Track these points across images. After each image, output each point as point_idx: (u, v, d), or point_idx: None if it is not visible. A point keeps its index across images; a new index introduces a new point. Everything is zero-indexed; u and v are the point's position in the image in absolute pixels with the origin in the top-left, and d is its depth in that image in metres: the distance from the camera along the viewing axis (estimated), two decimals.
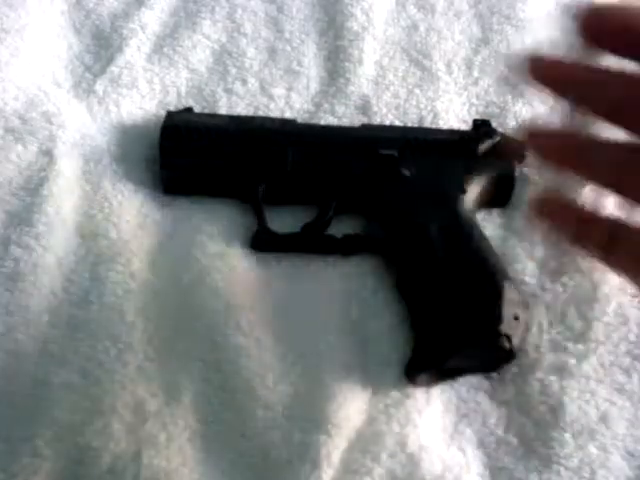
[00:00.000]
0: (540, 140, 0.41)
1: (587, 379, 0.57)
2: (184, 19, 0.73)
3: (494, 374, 0.57)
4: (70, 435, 0.52)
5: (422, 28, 0.74)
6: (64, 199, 0.61)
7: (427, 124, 0.69)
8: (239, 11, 0.74)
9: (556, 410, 0.56)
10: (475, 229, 0.61)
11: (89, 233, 0.60)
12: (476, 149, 0.63)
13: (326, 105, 0.69)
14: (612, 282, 0.61)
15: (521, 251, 0.63)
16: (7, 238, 0.59)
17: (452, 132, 0.66)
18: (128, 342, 0.56)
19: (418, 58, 0.73)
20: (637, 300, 0.60)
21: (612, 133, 0.70)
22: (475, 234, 0.60)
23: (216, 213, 0.63)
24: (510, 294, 0.57)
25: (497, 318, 0.55)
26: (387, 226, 0.61)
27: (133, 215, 0.61)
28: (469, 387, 0.57)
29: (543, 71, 0.41)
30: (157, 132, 0.63)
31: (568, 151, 0.41)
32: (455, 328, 0.55)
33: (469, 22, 0.75)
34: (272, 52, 0.72)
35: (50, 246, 0.59)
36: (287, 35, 0.73)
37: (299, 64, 0.72)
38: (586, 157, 0.41)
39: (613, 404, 0.56)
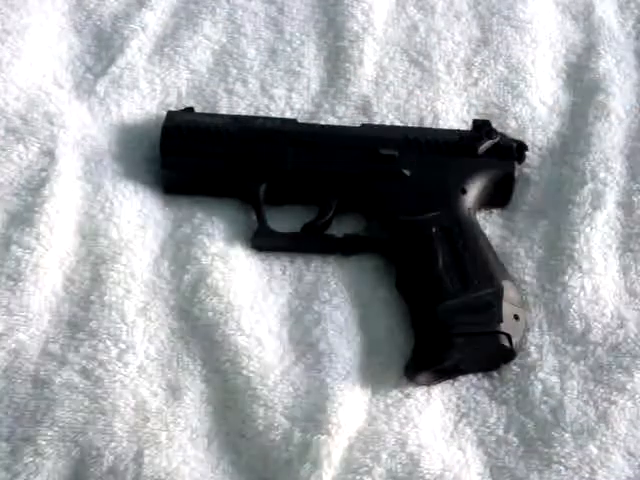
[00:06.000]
0: None
1: (586, 379, 0.57)
2: (185, 20, 0.73)
3: (494, 373, 0.57)
4: (72, 435, 0.52)
5: (422, 29, 0.74)
6: (65, 199, 0.61)
7: (427, 124, 0.69)
8: (239, 12, 0.74)
9: (556, 410, 0.56)
10: (475, 229, 0.61)
11: (90, 233, 0.60)
12: (476, 149, 0.63)
13: (326, 105, 0.69)
14: (610, 286, 0.61)
15: (521, 251, 0.63)
16: (8, 238, 0.59)
17: (452, 132, 0.66)
18: (129, 342, 0.56)
19: (418, 59, 0.73)
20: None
21: (607, 128, 0.71)
22: (475, 234, 0.60)
23: (216, 213, 0.63)
24: (510, 294, 0.57)
25: (497, 317, 0.56)
26: (387, 226, 0.61)
27: (134, 215, 0.62)
28: (469, 386, 0.57)
29: None
30: (158, 132, 0.63)
31: None
32: (455, 328, 0.55)
33: (469, 23, 0.75)
34: (272, 53, 0.72)
35: (51, 246, 0.59)
36: (287, 36, 0.73)
37: (299, 65, 0.72)
38: None
39: (613, 404, 0.56)
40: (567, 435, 0.55)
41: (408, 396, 0.56)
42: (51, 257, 0.59)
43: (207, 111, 0.68)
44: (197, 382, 0.56)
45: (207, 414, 0.55)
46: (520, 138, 0.67)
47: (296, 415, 0.54)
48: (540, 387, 0.57)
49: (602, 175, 0.66)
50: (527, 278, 0.61)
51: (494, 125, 0.65)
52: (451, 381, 0.57)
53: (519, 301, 0.58)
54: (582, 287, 0.61)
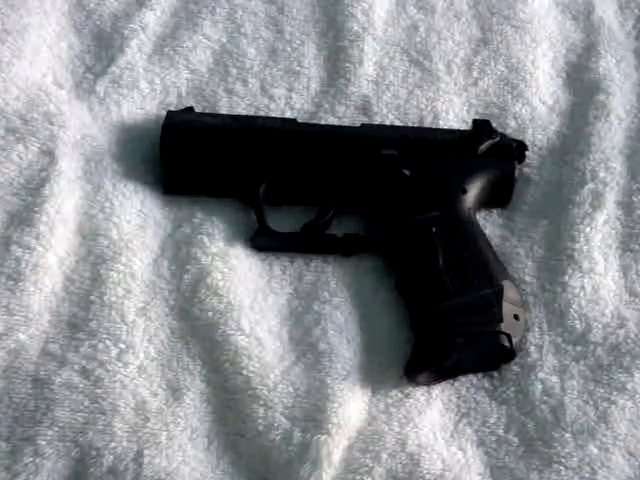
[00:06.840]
0: None
1: (586, 379, 0.57)
2: (185, 20, 0.73)
3: (495, 373, 0.57)
4: (71, 435, 0.52)
5: (422, 28, 0.75)
6: (65, 199, 0.61)
7: (427, 124, 0.69)
8: (239, 12, 0.74)
9: (556, 410, 0.56)
10: (475, 229, 0.61)
11: (90, 233, 0.60)
12: (476, 149, 0.63)
13: (326, 105, 0.69)
14: (610, 286, 0.61)
15: (521, 251, 0.63)
16: (8, 238, 0.59)
17: (452, 132, 0.66)
18: (129, 342, 0.56)
19: (418, 58, 0.73)
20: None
21: (608, 128, 0.71)
22: (475, 234, 0.61)
23: (216, 213, 0.63)
24: (510, 294, 0.57)
25: (497, 317, 0.56)
26: (387, 226, 0.61)
27: (134, 215, 0.62)
28: (469, 386, 0.57)
29: None
30: (158, 132, 0.63)
31: None
32: (455, 328, 0.55)
33: (469, 23, 0.75)
34: (272, 52, 0.72)
35: (51, 246, 0.59)
36: (287, 36, 0.73)
37: (299, 64, 0.72)
38: None
39: (614, 404, 0.56)
40: (567, 435, 0.55)
41: (408, 396, 0.56)
42: (51, 257, 0.59)
43: (207, 111, 0.68)
44: (197, 382, 0.56)
45: (207, 414, 0.55)
46: (520, 138, 0.67)
47: (296, 415, 0.54)
48: (540, 387, 0.57)
49: (602, 175, 0.66)
50: (527, 278, 0.61)
51: (494, 125, 0.65)
52: (451, 381, 0.57)
53: (519, 301, 0.58)
54: (582, 287, 0.61)
